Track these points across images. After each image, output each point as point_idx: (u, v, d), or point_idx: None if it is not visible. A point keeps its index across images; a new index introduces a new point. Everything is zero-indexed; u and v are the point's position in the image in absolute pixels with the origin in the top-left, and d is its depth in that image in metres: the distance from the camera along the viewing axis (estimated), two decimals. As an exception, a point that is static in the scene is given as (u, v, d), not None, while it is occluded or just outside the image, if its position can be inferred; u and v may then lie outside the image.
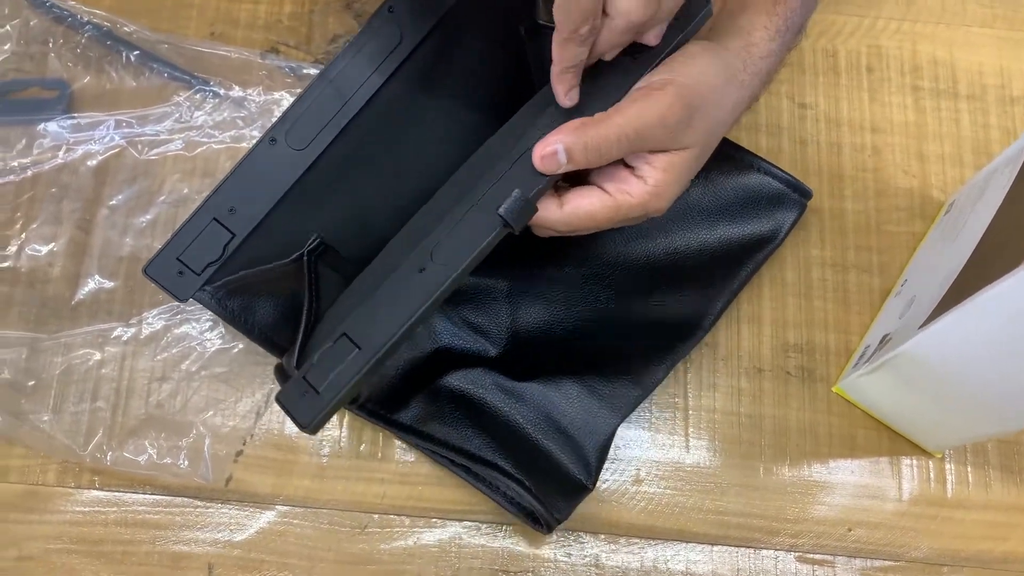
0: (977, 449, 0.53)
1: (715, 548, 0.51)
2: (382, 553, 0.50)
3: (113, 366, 0.53)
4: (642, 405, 0.52)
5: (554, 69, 0.42)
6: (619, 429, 0.51)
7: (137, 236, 0.55)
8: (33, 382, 0.52)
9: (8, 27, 0.58)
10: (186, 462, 0.50)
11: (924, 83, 0.60)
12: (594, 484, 0.50)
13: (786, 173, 0.54)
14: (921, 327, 0.43)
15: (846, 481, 0.52)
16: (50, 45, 0.58)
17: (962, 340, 0.40)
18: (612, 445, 0.51)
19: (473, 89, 0.51)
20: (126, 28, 0.58)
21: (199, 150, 0.57)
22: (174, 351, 0.53)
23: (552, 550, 0.50)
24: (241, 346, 0.53)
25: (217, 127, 0.57)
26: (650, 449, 0.53)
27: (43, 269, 0.54)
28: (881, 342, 0.49)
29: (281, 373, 0.46)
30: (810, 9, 0.51)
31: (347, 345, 0.41)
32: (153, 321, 0.53)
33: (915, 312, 0.46)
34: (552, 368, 0.52)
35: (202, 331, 0.53)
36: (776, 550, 0.51)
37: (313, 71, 0.58)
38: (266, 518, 0.51)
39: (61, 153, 0.56)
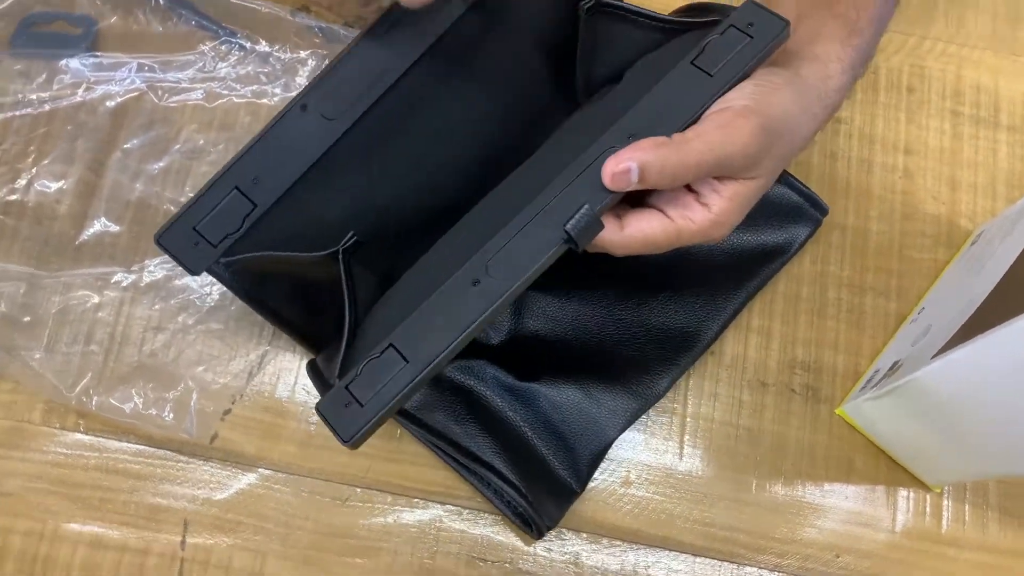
0: (977, 488, 0.51)
1: (698, 559, 0.50)
2: (360, 528, 0.49)
3: (110, 310, 0.52)
4: (640, 407, 0.51)
5: None
6: (614, 430, 0.50)
7: (148, 182, 0.54)
8: (29, 318, 0.51)
9: (40, -42, 0.57)
10: (171, 415, 0.49)
11: (965, 109, 0.58)
12: (582, 490, 0.49)
13: (805, 186, 0.53)
14: (934, 357, 0.41)
15: (839, 506, 0.51)
16: (80, -20, 0.57)
17: (975, 375, 0.38)
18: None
19: (515, 72, 0.50)
20: (158, -29, 0.57)
21: (219, 102, 0.56)
22: (172, 302, 0.52)
23: (532, 543, 0.49)
24: (239, 305, 0.52)
25: (239, 80, 0.56)
26: (643, 452, 0.52)
27: (50, 206, 0.54)
28: (891, 368, 0.48)
29: (316, 375, 0.44)
30: (878, 41, 0.49)
31: (395, 357, 0.39)
32: (155, 270, 0.52)
33: (929, 341, 0.45)
34: (554, 369, 0.51)
35: (202, 284, 0.52)
36: (760, 568, 0.50)
37: (343, 34, 0.57)
38: (247, 480, 0.50)
39: (80, 91, 0.55)
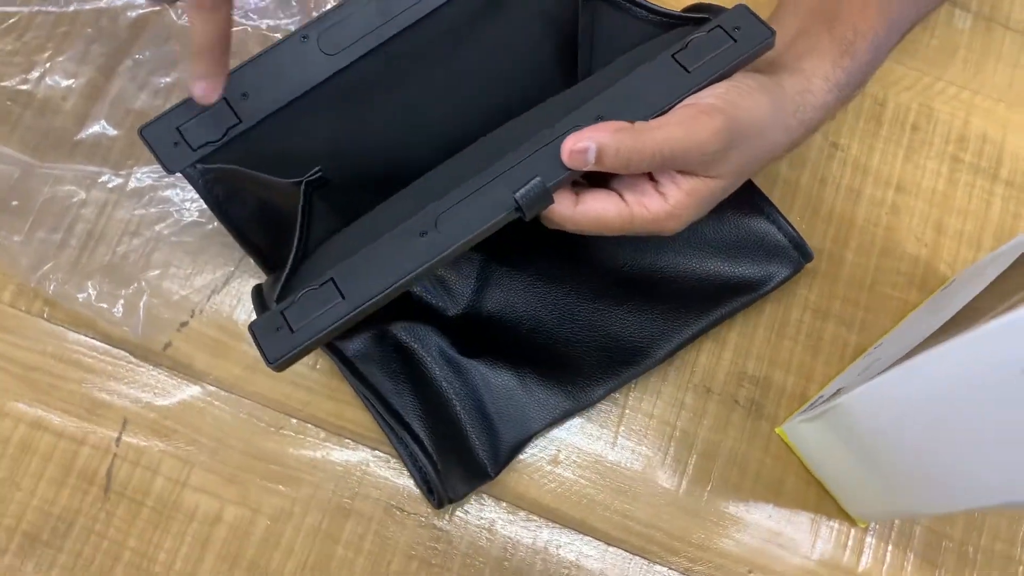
0: (903, 530, 0.51)
1: (610, 549, 0.50)
2: (288, 457, 0.51)
3: (93, 208, 0.54)
4: (581, 390, 0.52)
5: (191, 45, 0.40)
6: (551, 407, 0.51)
7: (152, 95, 0.56)
8: (17, 202, 0.53)
9: None
10: (121, 312, 0.51)
11: (966, 156, 0.57)
12: (496, 474, 0.49)
13: (794, 229, 0.52)
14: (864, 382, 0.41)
15: (761, 523, 0.51)
16: None
17: (893, 402, 0.38)
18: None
19: (520, 49, 0.50)
20: None
21: (233, 29, 0.57)
22: (152, 210, 0.54)
23: (451, 504, 0.50)
24: (215, 225, 0.53)
25: (256, 11, 0.57)
26: (577, 435, 0.52)
27: (56, 101, 0.56)
28: (833, 395, 0.48)
29: (258, 300, 0.45)
30: (875, 69, 0.49)
31: (332, 292, 0.40)
32: (142, 177, 0.54)
33: (870, 372, 0.45)
34: (497, 352, 0.51)
35: (183, 199, 0.54)
36: (670, 568, 0.50)
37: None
38: (191, 392, 0.51)
39: (105, -1, 0.57)
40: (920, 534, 0.51)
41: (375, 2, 0.47)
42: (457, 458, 0.49)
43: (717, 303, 0.52)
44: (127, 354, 0.52)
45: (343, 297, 0.40)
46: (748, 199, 0.52)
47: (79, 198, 0.54)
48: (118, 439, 0.50)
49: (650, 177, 0.42)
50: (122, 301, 0.51)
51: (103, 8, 0.57)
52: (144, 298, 0.51)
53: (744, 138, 0.41)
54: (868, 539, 0.51)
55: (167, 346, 0.52)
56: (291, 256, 0.43)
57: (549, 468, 0.51)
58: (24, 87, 0.56)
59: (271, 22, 0.57)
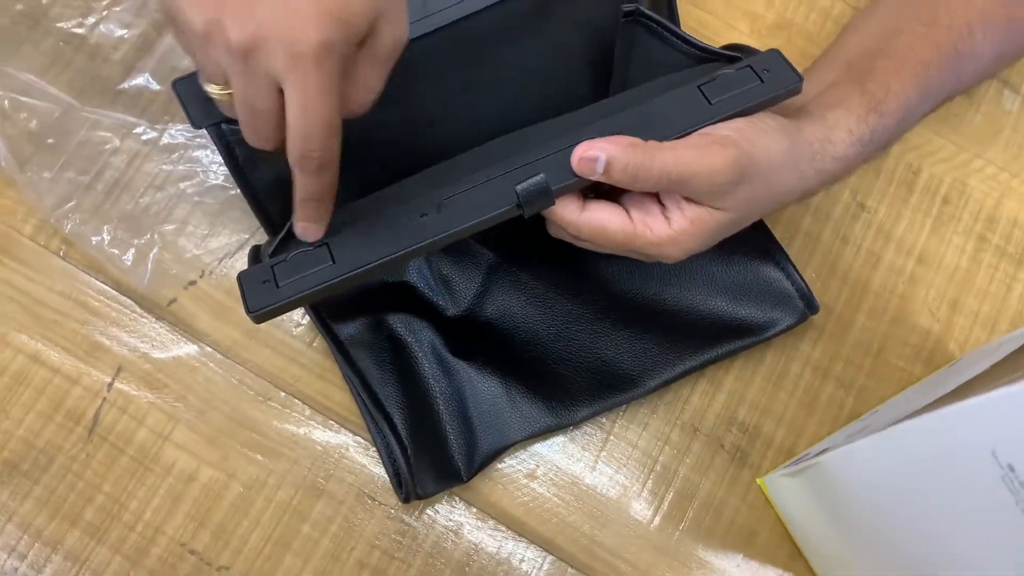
0: (870, 603, 0.50)
1: (571, 571, 0.50)
2: (271, 429, 0.51)
3: (124, 157, 0.55)
4: (569, 410, 0.51)
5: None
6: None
7: (199, 56, 0.57)
8: (52, 140, 0.55)
9: None
10: (131, 260, 0.51)
11: (993, 238, 0.56)
12: (468, 479, 0.49)
13: (803, 280, 0.52)
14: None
15: (728, 572, 0.50)
16: None
17: (868, 468, 0.38)
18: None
19: (559, 55, 0.51)
20: None
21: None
22: (180, 168, 0.55)
23: (422, 501, 0.50)
24: (237, 192, 0.54)
25: None
26: (558, 453, 0.52)
27: (107, 49, 0.57)
28: (818, 454, 0.47)
29: (254, 255, 0.46)
30: (903, 131, 0.49)
31: (324, 255, 0.41)
32: (176, 134, 0.55)
33: (857, 437, 0.44)
34: (488, 358, 0.51)
35: (212, 162, 0.55)
36: (629, 602, 0.50)
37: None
38: (187, 350, 0.52)
39: (171, -43, 0.58)
40: (887, 609, 0.50)
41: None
42: (431, 456, 0.49)
43: (715, 343, 0.51)
44: (133, 303, 0.53)
45: (333, 261, 0.41)
46: (760, 243, 0.52)
47: (112, 145, 0.55)
48: (110, 384, 0.51)
49: (659, 200, 0.42)
50: (133, 250, 0.52)
51: (166, -34, 0.58)
52: (155, 250, 0.52)
53: (755, 175, 0.41)
54: (833, 605, 0.50)
55: (172, 302, 0.53)
56: (293, 216, 0.44)
57: (525, 481, 0.51)
58: (79, 31, 0.57)
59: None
